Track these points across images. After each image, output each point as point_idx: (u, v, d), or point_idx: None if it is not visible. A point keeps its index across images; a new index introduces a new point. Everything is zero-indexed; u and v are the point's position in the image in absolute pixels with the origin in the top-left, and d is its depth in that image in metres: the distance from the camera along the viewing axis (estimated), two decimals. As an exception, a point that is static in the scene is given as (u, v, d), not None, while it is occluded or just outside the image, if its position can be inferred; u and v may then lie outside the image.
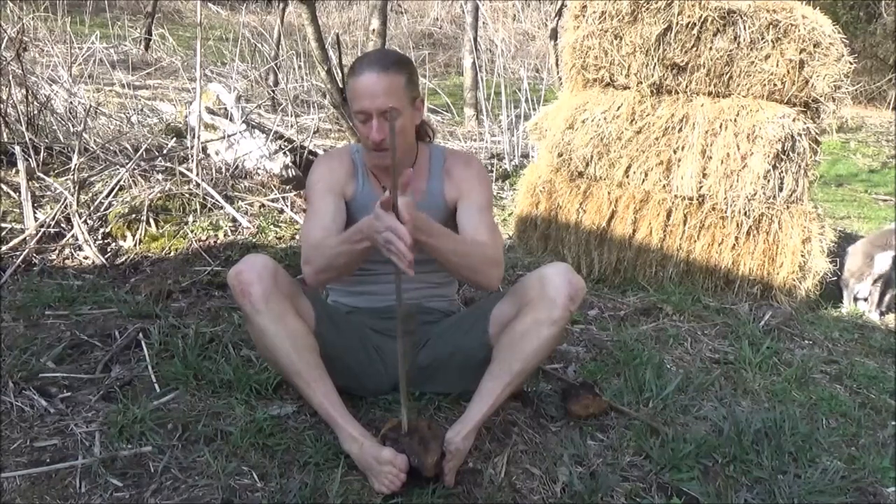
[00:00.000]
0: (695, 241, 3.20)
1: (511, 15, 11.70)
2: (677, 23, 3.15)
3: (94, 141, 3.78)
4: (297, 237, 3.27)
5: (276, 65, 6.96)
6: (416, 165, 1.85)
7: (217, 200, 3.35)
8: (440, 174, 1.85)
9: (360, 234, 1.51)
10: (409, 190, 1.43)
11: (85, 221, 3.04)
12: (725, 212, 3.15)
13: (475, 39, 7.65)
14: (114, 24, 7.89)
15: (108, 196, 3.22)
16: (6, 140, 3.47)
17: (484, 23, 8.88)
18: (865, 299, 3.65)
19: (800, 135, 3.08)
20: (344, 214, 1.77)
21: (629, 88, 3.33)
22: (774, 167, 3.09)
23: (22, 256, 2.77)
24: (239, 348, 2.11)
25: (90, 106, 4.09)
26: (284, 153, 4.02)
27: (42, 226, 2.95)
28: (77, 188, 3.11)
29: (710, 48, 3.15)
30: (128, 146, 3.79)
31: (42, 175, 3.32)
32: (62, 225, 3.03)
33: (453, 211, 1.82)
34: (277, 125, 4.41)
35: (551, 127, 3.46)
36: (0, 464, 1.54)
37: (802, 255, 3.13)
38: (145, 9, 8.95)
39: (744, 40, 3.10)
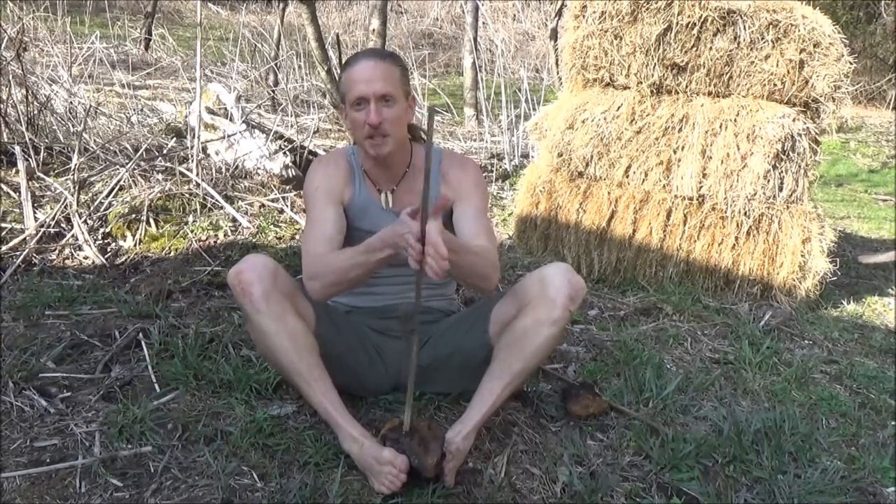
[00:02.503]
0: (695, 241, 3.20)
1: (511, 15, 11.70)
2: (677, 23, 3.14)
3: (94, 141, 3.78)
4: (297, 237, 3.27)
5: (276, 65, 6.96)
6: (412, 166, 1.85)
7: (217, 200, 3.35)
8: (437, 176, 1.85)
9: (381, 242, 1.51)
10: (438, 213, 1.43)
11: (85, 221, 3.04)
12: (725, 212, 3.15)
13: (475, 39, 7.65)
14: (114, 24, 7.90)
15: (108, 196, 3.22)
16: (6, 140, 3.48)
17: (484, 23, 8.88)
18: None
19: (800, 135, 3.07)
20: (344, 222, 1.77)
21: (629, 88, 3.33)
22: (774, 167, 3.09)
23: (22, 256, 2.77)
24: (239, 348, 2.11)
25: (90, 106, 4.09)
26: (284, 153, 4.02)
27: (42, 226, 2.95)
28: (77, 188, 3.12)
29: (710, 48, 3.15)
30: (128, 146, 3.79)
31: (42, 175, 3.32)
32: (62, 225, 3.03)
33: (449, 213, 1.82)
34: (277, 125, 4.41)
35: (551, 127, 3.45)
36: (0, 464, 1.54)
37: (802, 255, 3.13)
38: (145, 9, 8.95)
39: (744, 40, 3.10)
